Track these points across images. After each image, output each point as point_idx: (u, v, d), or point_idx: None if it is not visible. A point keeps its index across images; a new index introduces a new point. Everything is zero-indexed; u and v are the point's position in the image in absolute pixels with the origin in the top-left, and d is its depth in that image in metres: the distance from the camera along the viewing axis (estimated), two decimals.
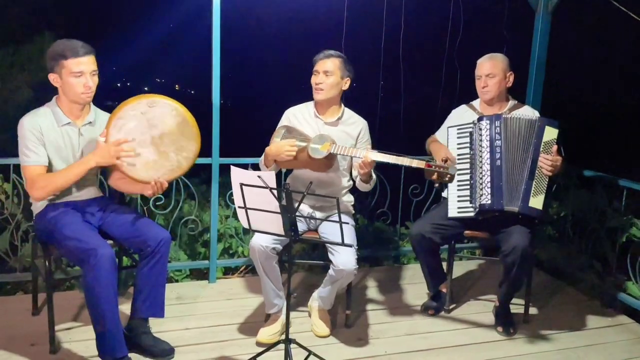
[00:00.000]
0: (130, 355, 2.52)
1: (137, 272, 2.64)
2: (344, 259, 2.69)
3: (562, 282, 3.79)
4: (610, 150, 7.18)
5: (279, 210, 2.25)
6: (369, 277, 3.76)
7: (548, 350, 2.94)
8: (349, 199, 3.09)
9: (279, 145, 2.76)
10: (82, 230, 2.50)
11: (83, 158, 2.53)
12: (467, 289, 3.63)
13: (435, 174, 2.58)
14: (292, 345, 2.43)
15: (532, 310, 3.32)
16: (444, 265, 3.29)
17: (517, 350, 2.93)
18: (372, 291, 3.57)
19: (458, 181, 2.97)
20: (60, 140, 2.54)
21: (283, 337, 2.45)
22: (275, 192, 2.22)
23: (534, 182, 2.85)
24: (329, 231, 2.87)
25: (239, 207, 2.33)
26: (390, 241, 4.21)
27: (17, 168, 2.93)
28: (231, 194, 3.39)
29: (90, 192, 2.69)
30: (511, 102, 3.13)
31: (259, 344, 2.81)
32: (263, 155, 2.88)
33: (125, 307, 2.86)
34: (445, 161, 2.69)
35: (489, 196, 2.87)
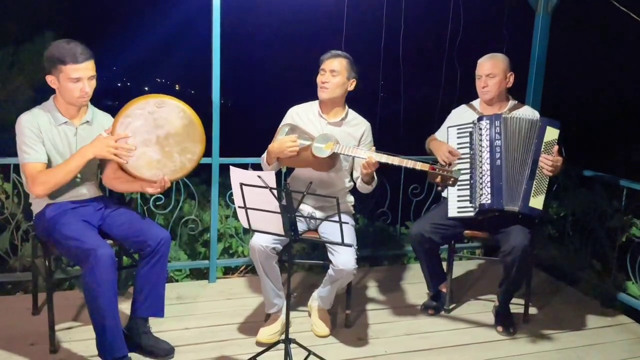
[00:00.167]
0: (130, 354, 2.52)
1: (137, 271, 2.64)
2: (344, 258, 2.69)
3: (562, 282, 3.79)
4: (611, 150, 7.18)
5: (278, 210, 2.25)
6: (369, 277, 3.77)
7: (548, 350, 2.94)
8: (349, 200, 3.10)
9: (282, 142, 2.76)
10: (82, 230, 2.50)
11: (80, 150, 2.52)
12: (467, 289, 3.63)
13: (439, 176, 2.58)
14: (292, 345, 2.43)
15: (532, 310, 3.32)
16: (444, 265, 3.29)
17: (517, 350, 2.93)
18: (372, 291, 3.57)
19: (458, 181, 2.98)
20: (57, 139, 2.54)
21: (283, 336, 2.45)
22: (275, 192, 2.22)
23: (534, 182, 2.85)
24: (329, 231, 2.87)
25: (239, 207, 2.34)
26: (390, 241, 4.21)
27: (17, 168, 2.93)
28: (231, 194, 3.39)
29: (90, 192, 2.69)
30: (511, 102, 3.13)
31: (258, 343, 2.81)
32: (265, 153, 2.88)
33: (125, 307, 2.86)
34: (450, 164, 2.68)
35: (488, 196, 2.87)
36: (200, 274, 3.75)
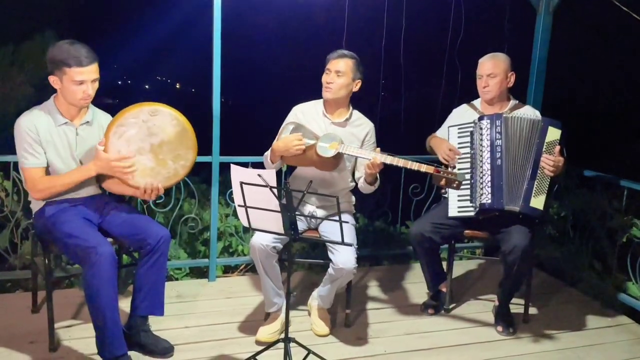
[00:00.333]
0: (130, 353, 2.51)
1: (137, 270, 2.64)
2: (344, 257, 2.69)
3: (562, 282, 3.79)
4: (611, 150, 7.17)
5: (279, 209, 2.25)
6: (369, 277, 3.76)
7: (548, 350, 2.94)
8: (350, 199, 3.09)
9: (287, 140, 2.74)
10: (82, 228, 2.50)
11: (84, 166, 2.55)
12: (467, 289, 3.63)
13: (443, 179, 2.58)
14: (292, 344, 2.43)
15: (532, 310, 3.32)
16: (444, 264, 3.29)
17: (517, 350, 2.93)
18: (372, 290, 3.57)
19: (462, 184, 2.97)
20: (57, 139, 2.54)
21: (282, 335, 2.44)
22: (275, 190, 2.21)
23: (535, 182, 2.85)
24: (329, 230, 2.87)
25: (239, 205, 2.33)
26: (391, 240, 4.21)
27: (17, 165, 2.92)
28: (231, 193, 3.39)
29: (90, 190, 2.68)
30: (512, 102, 3.12)
31: (258, 342, 2.81)
32: (269, 151, 2.87)
33: (125, 305, 2.86)
34: (453, 168, 2.68)
35: (489, 195, 2.87)
36: (200, 273, 3.75)
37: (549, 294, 3.61)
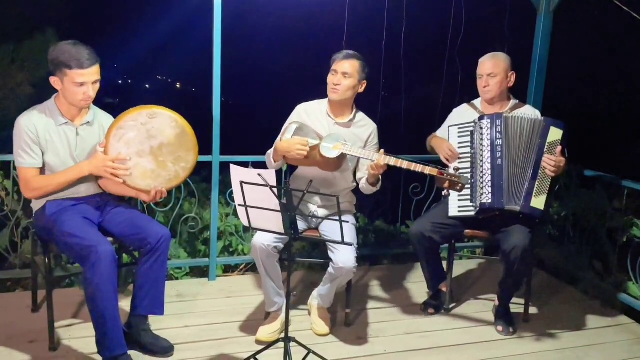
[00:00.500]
0: (130, 352, 2.51)
1: (137, 269, 2.64)
2: (344, 257, 2.69)
3: (562, 282, 3.79)
4: (612, 150, 7.17)
5: (279, 209, 2.25)
6: (369, 276, 3.76)
7: (548, 350, 2.94)
8: (352, 199, 3.09)
9: (291, 143, 2.74)
10: (82, 227, 2.50)
11: (78, 164, 2.55)
12: (467, 288, 3.63)
13: (447, 181, 2.57)
14: (292, 344, 2.43)
15: (532, 310, 3.32)
16: (444, 264, 3.29)
17: (517, 349, 2.93)
18: (372, 290, 3.57)
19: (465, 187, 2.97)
20: (57, 139, 2.55)
21: (282, 335, 2.44)
22: (275, 190, 2.21)
23: (536, 182, 2.85)
24: (329, 229, 2.87)
25: (239, 205, 2.33)
26: (391, 240, 4.21)
27: None
28: (231, 192, 3.39)
29: (90, 189, 2.68)
30: (512, 102, 3.12)
31: (258, 342, 2.81)
32: (272, 150, 2.87)
33: (125, 304, 2.86)
34: (457, 170, 2.67)
35: (489, 195, 2.87)
36: (200, 272, 3.75)
37: (549, 293, 3.61)
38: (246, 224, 2.37)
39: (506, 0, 4.24)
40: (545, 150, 2.86)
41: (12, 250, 3.35)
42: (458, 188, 2.58)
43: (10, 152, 2.61)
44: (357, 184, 3.01)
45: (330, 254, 2.76)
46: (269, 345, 2.59)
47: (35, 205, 2.65)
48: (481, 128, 2.94)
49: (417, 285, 3.60)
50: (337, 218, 2.19)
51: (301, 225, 2.78)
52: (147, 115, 2.52)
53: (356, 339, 2.95)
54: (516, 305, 3.23)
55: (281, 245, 2.76)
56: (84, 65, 2.42)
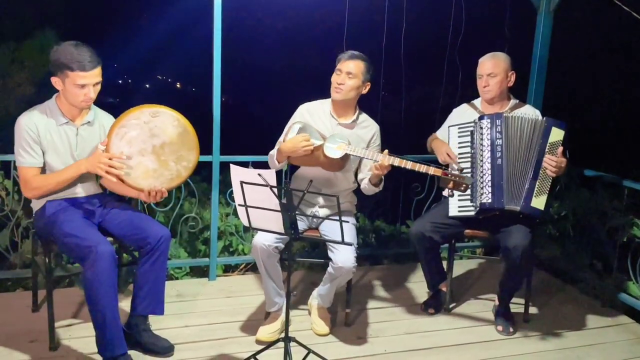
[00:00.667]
0: (130, 352, 2.52)
1: (137, 269, 2.64)
2: (343, 256, 2.69)
3: (562, 282, 3.79)
4: (612, 149, 7.18)
5: (279, 209, 2.25)
6: (369, 276, 3.76)
7: (548, 350, 2.94)
8: (353, 199, 3.09)
9: (296, 141, 2.73)
10: (82, 227, 2.50)
11: (76, 162, 2.55)
12: (467, 288, 3.63)
13: (451, 182, 2.57)
14: (292, 344, 2.43)
15: (532, 310, 3.32)
16: (444, 264, 3.29)
17: (517, 349, 2.93)
18: (372, 290, 3.57)
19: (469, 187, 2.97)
20: (57, 139, 2.55)
21: (283, 335, 2.44)
22: (275, 190, 2.21)
23: (537, 182, 2.85)
24: (329, 229, 2.87)
25: (239, 205, 2.33)
26: (391, 240, 4.21)
27: None
28: (231, 192, 3.39)
29: (90, 189, 2.69)
30: (512, 101, 3.12)
31: (258, 342, 2.81)
32: (275, 151, 2.87)
33: (125, 304, 2.86)
34: (461, 171, 2.67)
35: (489, 195, 2.87)
36: (200, 272, 3.75)
37: (549, 293, 3.61)
38: (246, 224, 2.37)
39: (506, 0, 4.24)
40: (546, 150, 2.86)
41: (12, 250, 3.35)
42: (462, 188, 2.58)
43: (11, 152, 2.61)
44: (359, 185, 3.01)
45: (330, 254, 2.76)
46: (269, 345, 2.59)
47: (35, 205, 2.65)
48: (481, 128, 2.94)
49: (417, 285, 3.60)
50: (337, 218, 2.19)
51: (301, 225, 2.78)
52: (149, 113, 2.52)
53: (356, 338, 2.95)
54: (516, 305, 3.23)
55: (282, 245, 2.76)
56: (85, 68, 2.42)
